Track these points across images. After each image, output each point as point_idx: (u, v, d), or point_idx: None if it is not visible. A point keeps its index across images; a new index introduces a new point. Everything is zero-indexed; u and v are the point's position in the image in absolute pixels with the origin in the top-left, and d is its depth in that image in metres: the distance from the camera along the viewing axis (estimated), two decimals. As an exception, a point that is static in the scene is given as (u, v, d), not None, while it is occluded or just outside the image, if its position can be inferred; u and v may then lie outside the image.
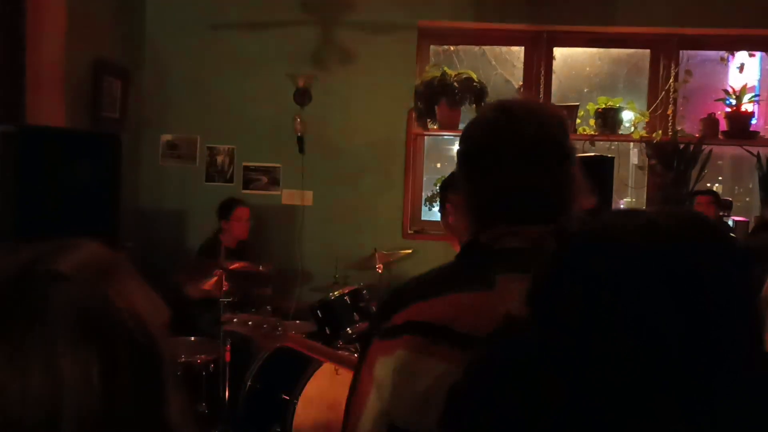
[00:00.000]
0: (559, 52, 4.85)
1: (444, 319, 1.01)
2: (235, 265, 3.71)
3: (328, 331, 3.46)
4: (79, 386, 0.67)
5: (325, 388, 3.28)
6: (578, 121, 4.62)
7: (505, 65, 4.96)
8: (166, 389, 0.74)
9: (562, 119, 1.16)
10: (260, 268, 3.85)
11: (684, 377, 0.65)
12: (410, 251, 4.42)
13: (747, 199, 5.13)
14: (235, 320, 2.56)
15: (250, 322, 2.52)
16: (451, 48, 4.98)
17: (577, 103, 4.67)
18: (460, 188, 1.17)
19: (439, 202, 2.31)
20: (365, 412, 1.06)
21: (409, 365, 1.01)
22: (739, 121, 4.62)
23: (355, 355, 2.85)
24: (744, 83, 4.63)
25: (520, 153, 1.11)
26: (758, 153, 4.44)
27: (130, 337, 0.71)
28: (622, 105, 4.62)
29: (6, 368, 0.67)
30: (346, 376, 3.27)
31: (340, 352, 2.83)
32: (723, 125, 4.65)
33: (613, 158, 2.79)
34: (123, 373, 0.70)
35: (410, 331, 1.03)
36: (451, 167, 5.13)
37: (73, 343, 0.68)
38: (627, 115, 4.67)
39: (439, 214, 1.89)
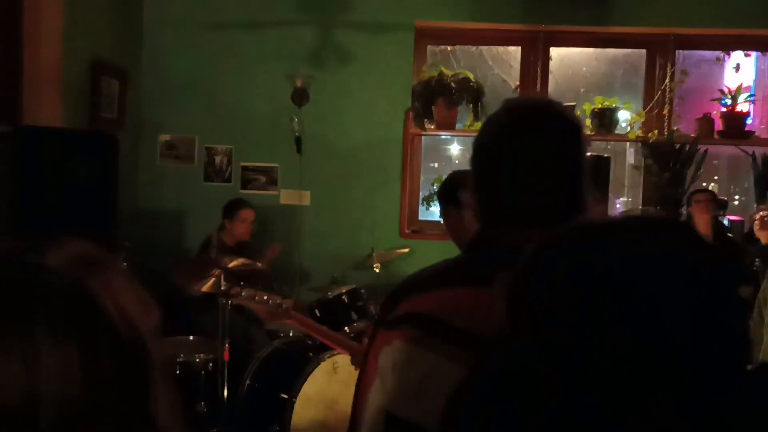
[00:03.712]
0: (555, 52, 4.86)
1: (442, 312, 1.04)
2: (233, 263, 3.71)
3: (326, 331, 3.47)
4: (59, 374, 0.67)
5: (323, 386, 3.29)
6: (575, 120, 4.63)
7: (502, 65, 4.97)
8: (153, 385, 0.74)
9: (579, 127, 1.16)
10: (258, 264, 3.85)
11: (683, 375, 0.66)
12: (407, 250, 4.44)
13: (743, 198, 5.15)
14: (243, 293, 2.57)
15: (256, 297, 2.53)
16: (449, 48, 4.99)
17: (574, 103, 4.67)
18: (471, 184, 1.18)
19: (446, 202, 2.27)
20: (369, 400, 1.10)
21: (405, 356, 1.04)
22: (735, 121, 4.63)
23: (355, 341, 2.86)
24: (739, 83, 4.64)
25: (531, 159, 1.11)
26: (753, 152, 4.46)
27: (113, 330, 0.71)
28: (618, 105, 4.63)
29: None
30: (344, 374, 3.28)
31: (338, 334, 2.83)
32: (719, 125, 4.67)
33: (609, 158, 2.81)
34: (105, 363, 0.70)
35: (409, 323, 1.06)
36: (448, 167, 5.14)
37: (53, 332, 0.68)
38: (623, 115, 4.68)
39: (436, 214, 1.88)
